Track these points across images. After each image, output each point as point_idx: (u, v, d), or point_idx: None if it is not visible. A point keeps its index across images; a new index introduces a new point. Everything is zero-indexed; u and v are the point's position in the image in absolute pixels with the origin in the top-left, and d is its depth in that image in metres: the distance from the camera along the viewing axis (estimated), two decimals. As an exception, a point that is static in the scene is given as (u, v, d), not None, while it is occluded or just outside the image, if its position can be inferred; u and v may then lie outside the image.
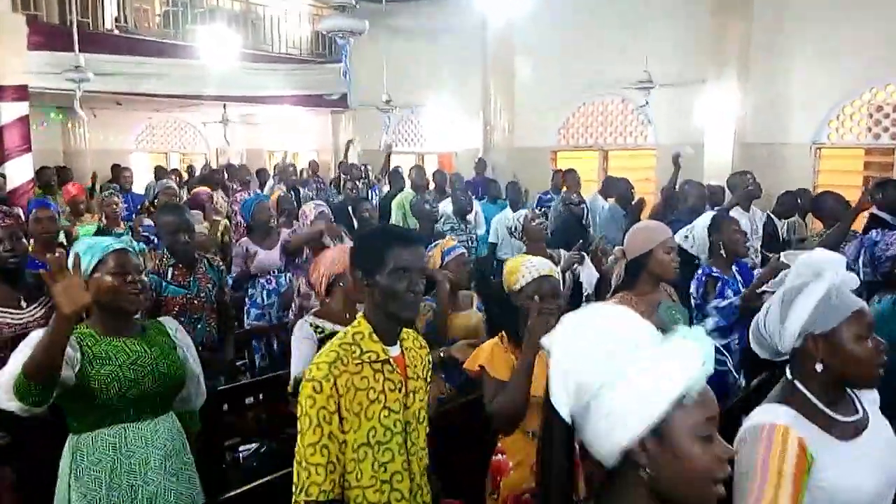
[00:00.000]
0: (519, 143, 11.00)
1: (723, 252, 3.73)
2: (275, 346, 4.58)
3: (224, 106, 11.85)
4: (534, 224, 4.24)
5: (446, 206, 7.71)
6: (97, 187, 10.30)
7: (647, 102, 8.46)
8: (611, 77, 9.68)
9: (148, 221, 5.62)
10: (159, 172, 11.01)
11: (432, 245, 3.89)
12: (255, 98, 11.59)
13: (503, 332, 2.57)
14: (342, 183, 10.10)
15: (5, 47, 7.95)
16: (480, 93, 11.15)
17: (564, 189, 8.39)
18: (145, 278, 2.36)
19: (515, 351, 2.47)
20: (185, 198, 7.29)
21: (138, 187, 9.56)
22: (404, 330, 2.04)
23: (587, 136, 10.54)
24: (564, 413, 1.20)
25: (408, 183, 9.05)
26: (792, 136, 8.50)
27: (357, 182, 9.37)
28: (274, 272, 4.92)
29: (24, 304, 3.00)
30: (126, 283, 2.24)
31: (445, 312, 3.60)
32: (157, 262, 3.55)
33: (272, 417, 3.82)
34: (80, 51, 7.84)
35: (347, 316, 3.08)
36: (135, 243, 2.41)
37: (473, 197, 8.48)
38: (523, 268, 2.57)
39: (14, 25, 8.10)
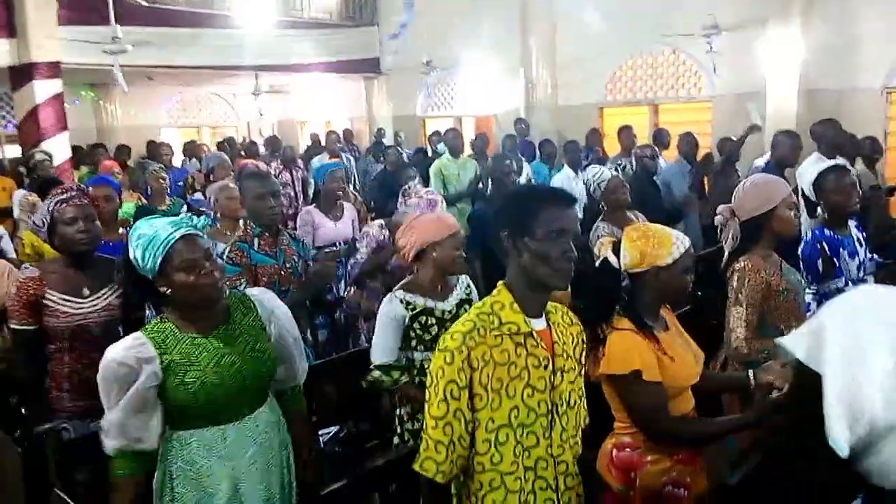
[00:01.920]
0: (563, 101, 10.56)
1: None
2: (341, 320, 4.37)
3: (256, 76, 11.57)
4: (618, 190, 3.89)
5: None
6: (128, 164, 10.20)
7: (711, 48, 7.94)
8: (661, 26, 9.16)
9: (198, 195, 5.38)
10: (190, 148, 10.80)
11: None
12: (286, 66, 11.31)
13: (626, 319, 2.19)
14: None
15: (36, 23, 7.74)
16: (520, 49, 10.66)
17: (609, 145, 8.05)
18: (219, 260, 2.11)
19: (648, 338, 2.14)
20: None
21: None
22: (552, 304, 1.83)
23: (636, 91, 10.07)
24: (843, 450, 0.92)
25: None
26: (861, 80, 7.96)
27: (399, 149, 9.09)
28: (339, 244, 4.70)
29: (86, 291, 2.80)
30: (200, 276, 1.96)
31: None
32: (242, 230, 3.38)
33: (345, 397, 3.60)
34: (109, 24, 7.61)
35: (440, 289, 2.84)
36: (195, 219, 2.08)
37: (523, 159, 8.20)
38: (674, 237, 2.21)
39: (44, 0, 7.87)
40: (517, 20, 10.53)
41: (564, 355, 1.80)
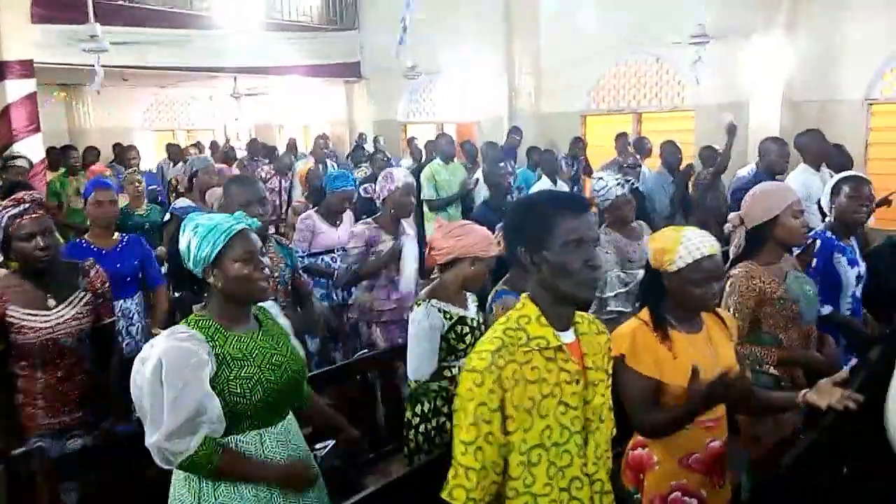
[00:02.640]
0: (546, 109, 10.51)
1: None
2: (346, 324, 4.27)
3: (235, 79, 11.36)
4: (622, 206, 3.82)
5: (480, 177, 7.35)
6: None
7: (699, 58, 7.93)
8: (645, 34, 9.18)
9: (185, 201, 5.19)
10: (175, 152, 10.56)
11: (500, 224, 3.53)
12: (265, 69, 11.12)
13: (648, 312, 2.19)
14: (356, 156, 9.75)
15: (7, 20, 7.46)
16: (504, 56, 10.60)
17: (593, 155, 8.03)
18: (267, 259, 2.08)
19: (663, 339, 2.12)
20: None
21: (144, 167, 9.16)
22: (579, 314, 1.75)
23: (619, 99, 10.06)
24: None
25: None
26: (843, 92, 8.02)
27: (385, 154, 8.98)
28: (339, 249, 4.54)
29: (51, 303, 2.65)
30: (256, 268, 1.97)
31: None
32: None
33: (342, 407, 3.46)
34: (84, 23, 7.34)
35: (461, 295, 2.84)
36: (249, 219, 2.07)
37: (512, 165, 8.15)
38: (682, 246, 2.14)
39: (16, -4, 7.60)
40: (501, 27, 10.49)
41: (595, 368, 1.72)
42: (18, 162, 6.53)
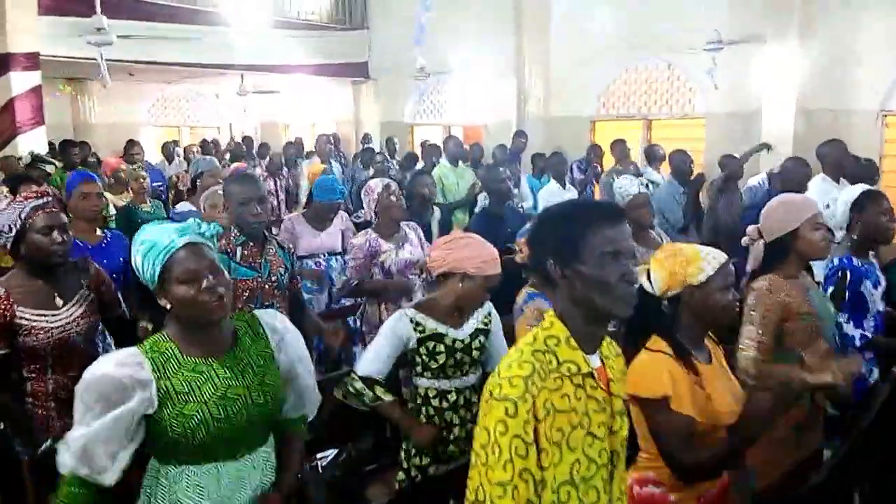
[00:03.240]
0: (555, 113, 10.42)
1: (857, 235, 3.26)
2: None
3: (242, 76, 11.28)
4: (642, 207, 3.71)
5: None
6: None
7: (715, 65, 7.83)
8: (656, 39, 9.06)
9: (186, 206, 5.10)
10: (167, 149, 10.45)
11: (523, 231, 3.42)
12: (272, 67, 11.05)
13: (664, 342, 2.04)
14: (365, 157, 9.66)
15: (14, 11, 7.40)
16: (513, 59, 10.50)
17: (608, 161, 7.92)
18: (226, 274, 1.85)
19: (691, 371, 2.00)
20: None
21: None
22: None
23: (629, 105, 9.95)
24: None
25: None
26: (858, 103, 7.90)
27: (387, 156, 8.88)
28: (324, 255, 4.50)
29: (59, 302, 2.58)
30: (202, 290, 1.74)
31: None
32: (224, 240, 3.09)
33: (345, 416, 3.36)
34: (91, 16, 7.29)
35: (454, 315, 2.64)
36: (204, 225, 1.86)
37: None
38: (703, 253, 2.07)
39: (24, -13, 7.53)
40: (511, 29, 10.39)
41: (619, 395, 1.61)
42: (48, 168, 6.42)
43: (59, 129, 10.76)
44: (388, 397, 2.55)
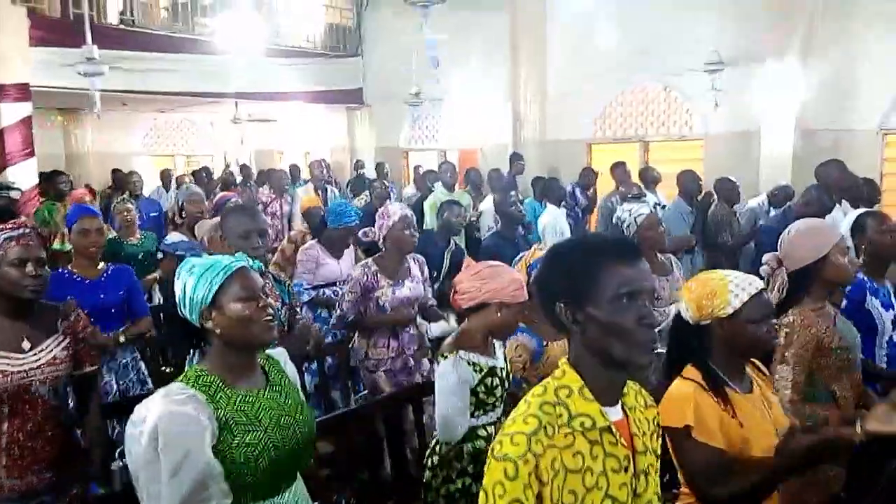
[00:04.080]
0: (551, 136, 10.34)
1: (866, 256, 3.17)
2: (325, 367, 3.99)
3: (236, 104, 11.21)
4: (655, 227, 3.59)
5: (487, 205, 7.14)
6: (96, 195, 9.71)
7: (715, 87, 7.76)
8: (653, 61, 9.01)
9: (176, 236, 4.96)
10: (166, 177, 10.37)
11: (515, 260, 3.30)
12: (266, 95, 10.98)
13: (698, 372, 1.95)
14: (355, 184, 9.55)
15: (5, 42, 7.31)
16: (509, 82, 10.45)
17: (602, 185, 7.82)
18: (273, 301, 1.88)
19: (725, 402, 1.90)
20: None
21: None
22: (628, 384, 1.48)
23: (626, 127, 9.90)
24: None
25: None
26: (857, 122, 7.85)
27: (384, 182, 8.77)
28: (341, 283, 4.34)
29: (26, 345, 2.36)
30: (258, 309, 1.77)
31: (534, 353, 2.95)
32: None
33: (343, 458, 3.19)
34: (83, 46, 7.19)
35: (488, 343, 2.56)
36: (251, 260, 1.92)
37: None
38: (732, 285, 1.95)
39: (14, 19, 7.45)
40: (507, 53, 10.34)
41: (645, 451, 1.45)
42: (12, 194, 6.32)
43: (51, 160, 10.64)
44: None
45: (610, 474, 1.37)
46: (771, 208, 6.84)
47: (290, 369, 2.00)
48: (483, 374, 2.47)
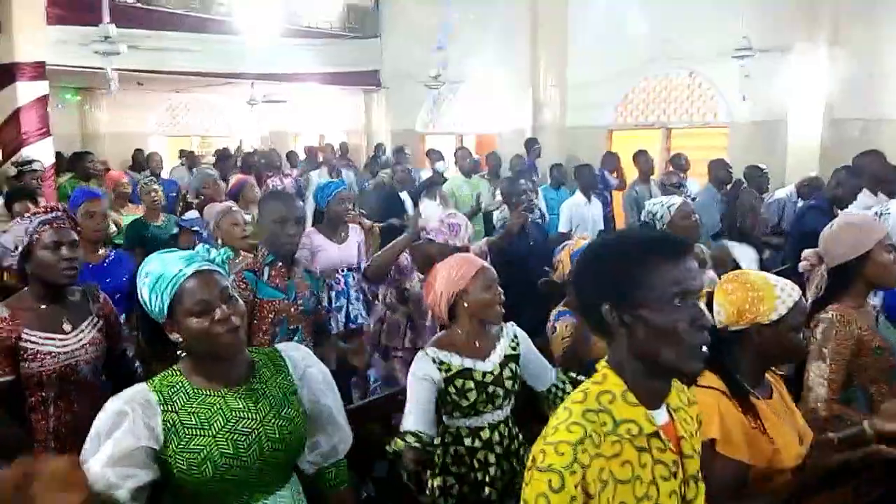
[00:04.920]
0: (571, 122, 10.19)
1: None
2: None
3: (252, 84, 11.11)
4: (689, 217, 3.45)
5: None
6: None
7: (747, 73, 7.57)
8: (678, 47, 8.84)
9: (194, 213, 4.90)
10: (188, 157, 10.30)
11: (558, 249, 3.19)
12: (283, 76, 10.87)
13: (719, 379, 1.83)
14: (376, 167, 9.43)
15: (21, 20, 7.23)
16: (529, 67, 10.29)
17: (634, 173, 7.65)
18: (241, 302, 1.70)
19: (748, 411, 1.79)
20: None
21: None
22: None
23: (648, 114, 9.72)
24: None
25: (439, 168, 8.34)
26: (887, 112, 7.64)
27: (407, 166, 8.64)
28: (342, 270, 4.26)
29: (67, 327, 2.38)
30: (215, 322, 1.60)
31: (588, 342, 2.89)
32: (253, 258, 2.98)
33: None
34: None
35: (477, 344, 2.45)
36: (212, 252, 1.72)
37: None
38: (779, 289, 1.85)
39: (31, -4, 7.37)
40: (527, 37, 10.18)
41: (692, 453, 1.37)
42: (35, 165, 6.28)
43: (66, 140, 10.62)
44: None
45: (659, 482, 1.29)
46: (799, 199, 6.70)
47: (302, 366, 1.82)
48: (451, 373, 2.37)
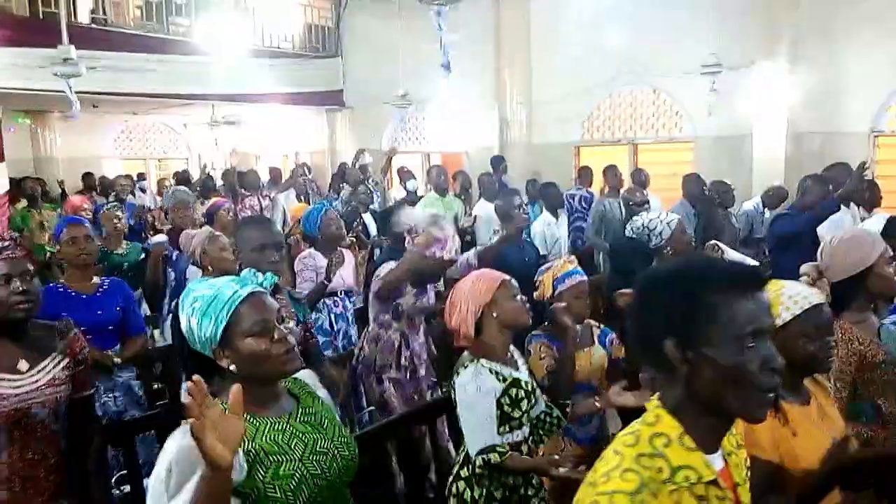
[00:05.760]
0: (538, 139, 10.20)
1: None
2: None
3: (213, 106, 10.86)
4: (685, 233, 3.44)
5: (480, 209, 6.92)
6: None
7: (714, 88, 7.66)
8: (642, 64, 8.93)
9: (161, 237, 4.72)
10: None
11: (541, 270, 3.15)
12: (243, 96, 10.64)
13: None
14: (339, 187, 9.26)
15: (-30, 42, 6.95)
16: (494, 85, 10.29)
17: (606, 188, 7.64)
18: (292, 323, 1.83)
19: (776, 412, 1.76)
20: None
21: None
22: None
23: (615, 130, 9.79)
24: None
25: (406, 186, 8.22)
26: (848, 124, 7.84)
27: (366, 185, 8.50)
28: (341, 293, 4.19)
29: (23, 365, 2.18)
30: (274, 342, 1.59)
31: (573, 359, 2.93)
32: None
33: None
34: (54, 47, 6.83)
35: (509, 355, 2.48)
36: (259, 276, 1.70)
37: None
38: (785, 296, 1.84)
39: (-20, 17, 7.08)
40: (492, 55, 10.19)
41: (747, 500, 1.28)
42: None
43: (19, 164, 10.23)
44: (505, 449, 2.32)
45: None
46: (766, 210, 6.79)
47: (323, 392, 1.83)
48: (507, 383, 2.36)
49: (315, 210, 4.33)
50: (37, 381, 2.19)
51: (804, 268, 2.68)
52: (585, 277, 3.09)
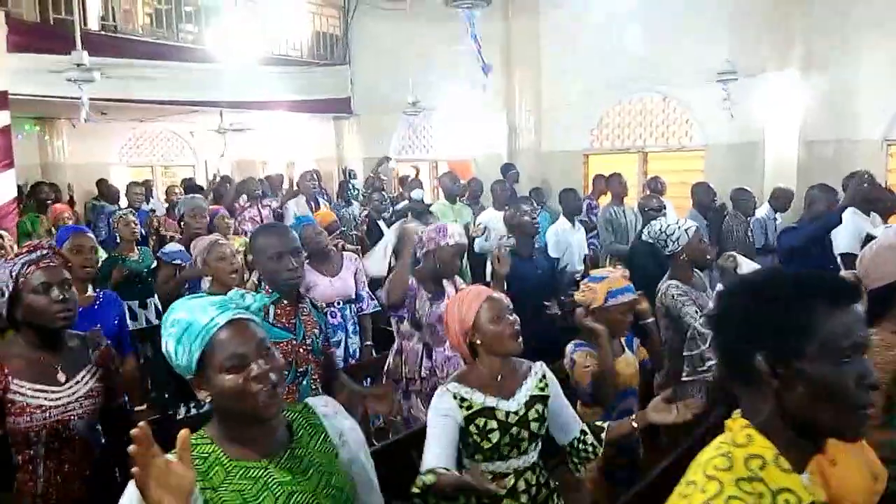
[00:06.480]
0: (547, 146, 10.17)
1: None
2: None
3: (221, 113, 10.85)
4: (703, 240, 3.40)
5: (487, 217, 6.88)
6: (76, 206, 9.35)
7: (728, 96, 7.63)
8: (652, 71, 8.91)
9: (175, 246, 4.67)
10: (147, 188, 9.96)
11: (597, 277, 3.06)
12: (251, 104, 10.61)
13: None
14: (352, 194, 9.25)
15: (-19, 49, 6.93)
16: (503, 92, 10.27)
17: (610, 195, 7.58)
18: (278, 355, 1.50)
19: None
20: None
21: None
22: None
23: (624, 138, 9.75)
24: None
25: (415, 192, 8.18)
26: (861, 132, 7.79)
27: (382, 193, 8.47)
28: (338, 303, 4.12)
29: (62, 377, 2.16)
30: (251, 379, 1.41)
31: (613, 371, 2.85)
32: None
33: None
34: (64, 52, 6.82)
35: (501, 382, 2.28)
36: (248, 297, 1.53)
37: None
38: None
39: (-10, 23, 7.07)
40: (501, 62, 10.16)
41: None
42: None
43: (27, 171, 10.24)
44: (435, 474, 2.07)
45: None
46: (777, 214, 6.76)
47: (339, 425, 1.63)
48: (472, 411, 2.19)
49: (297, 221, 4.31)
50: (75, 392, 2.17)
51: (847, 275, 2.64)
52: (636, 296, 3.04)
